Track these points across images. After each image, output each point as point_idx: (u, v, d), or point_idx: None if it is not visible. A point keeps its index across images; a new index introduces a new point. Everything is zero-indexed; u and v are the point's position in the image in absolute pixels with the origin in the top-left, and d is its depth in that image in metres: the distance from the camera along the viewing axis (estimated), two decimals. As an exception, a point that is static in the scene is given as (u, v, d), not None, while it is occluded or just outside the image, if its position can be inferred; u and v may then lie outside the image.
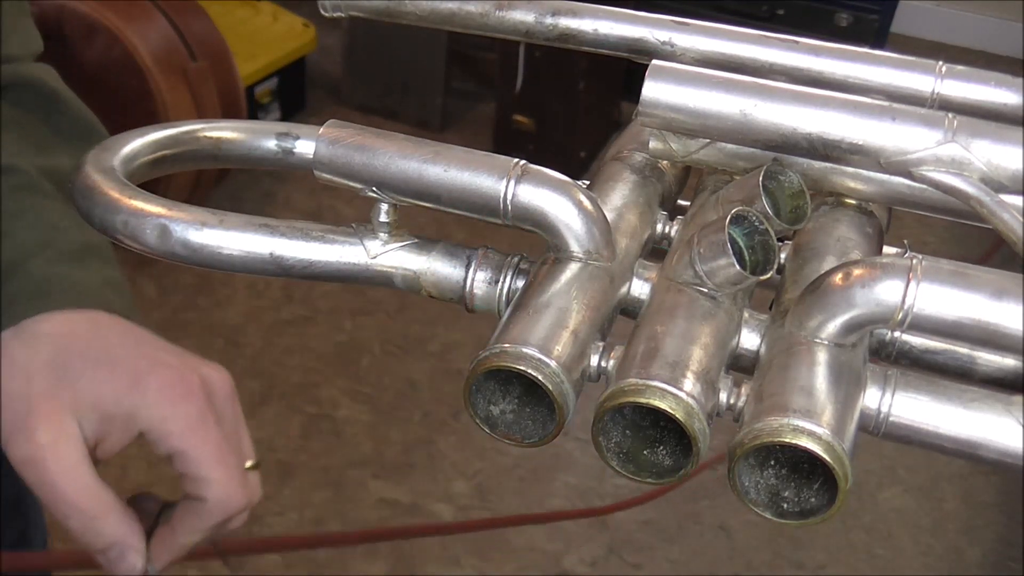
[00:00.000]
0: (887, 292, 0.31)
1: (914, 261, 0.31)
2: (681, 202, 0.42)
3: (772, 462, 0.31)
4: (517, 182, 0.34)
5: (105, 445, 0.49)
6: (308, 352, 1.95)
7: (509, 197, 0.34)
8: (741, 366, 0.35)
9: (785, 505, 0.31)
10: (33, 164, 0.55)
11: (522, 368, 0.31)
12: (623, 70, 2.46)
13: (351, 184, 0.36)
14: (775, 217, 0.35)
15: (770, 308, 0.36)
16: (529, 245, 0.39)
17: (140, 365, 0.50)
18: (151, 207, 0.37)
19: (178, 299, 1.99)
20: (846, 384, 0.32)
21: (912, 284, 0.30)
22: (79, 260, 0.53)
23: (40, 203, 0.54)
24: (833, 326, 0.32)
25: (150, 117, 1.86)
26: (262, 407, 1.83)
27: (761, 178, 0.35)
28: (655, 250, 0.40)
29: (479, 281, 0.37)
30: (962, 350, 0.37)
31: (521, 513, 1.71)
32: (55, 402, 0.48)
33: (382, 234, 0.37)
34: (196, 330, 1.92)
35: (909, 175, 0.34)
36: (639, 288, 0.37)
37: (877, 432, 0.33)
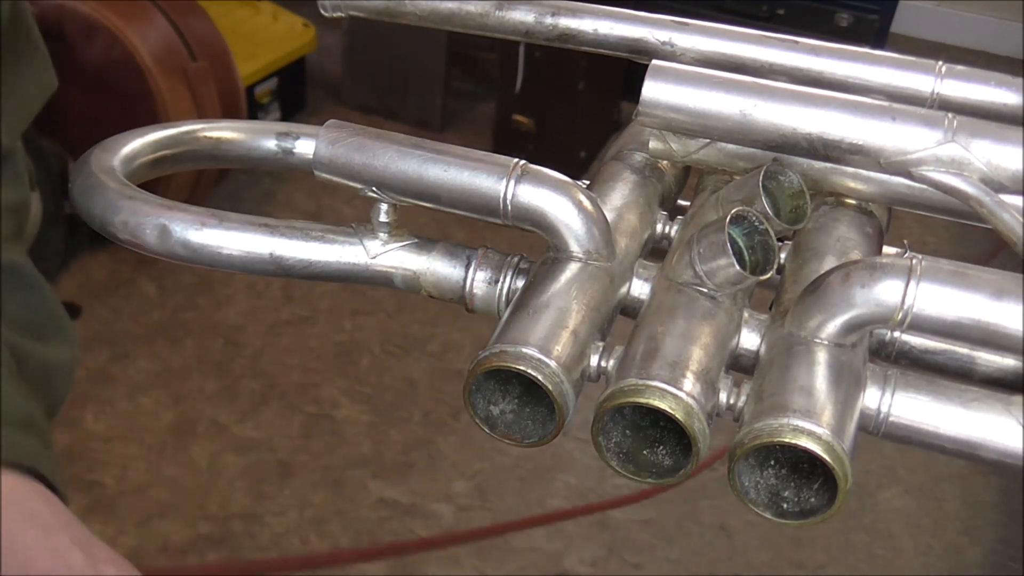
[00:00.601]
0: (887, 292, 0.31)
1: (914, 261, 0.31)
2: (681, 202, 0.42)
3: (772, 462, 0.31)
4: (517, 182, 0.34)
5: None
6: (308, 352, 1.95)
7: (509, 197, 0.34)
8: (741, 366, 0.35)
9: (785, 505, 0.31)
10: (2, 337, 0.57)
11: (522, 368, 0.31)
12: (623, 70, 2.46)
13: (351, 184, 0.36)
14: (775, 217, 0.35)
15: (770, 308, 0.36)
16: (529, 245, 0.39)
17: (41, 561, 0.50)
18: (151, 207, 0.37)
19: (178, 299, 1.99)
20: (846, 384, 0.32)
21: (912, 284, 0.30)
22: (25, 428, 0.55)
23: (2, 373, 0.56)
24: (833, 326, 0.32)
25: (150, 117, 1.85)
26: (262, 407, 1.83)
27: (761, 178, 0.35)
28: (655, 250, 0.40)
29: (479, 281, 0.37)
30: (962, 350, 0.37)
31: (521, 514, 1.71)
32: None
33: (382, 234, 0.37)
34: (196, 330, 1.91)
35: (909, 175, 0.34)
36: (639, 288, 0.37)
37: (877, 432, 0.33)
